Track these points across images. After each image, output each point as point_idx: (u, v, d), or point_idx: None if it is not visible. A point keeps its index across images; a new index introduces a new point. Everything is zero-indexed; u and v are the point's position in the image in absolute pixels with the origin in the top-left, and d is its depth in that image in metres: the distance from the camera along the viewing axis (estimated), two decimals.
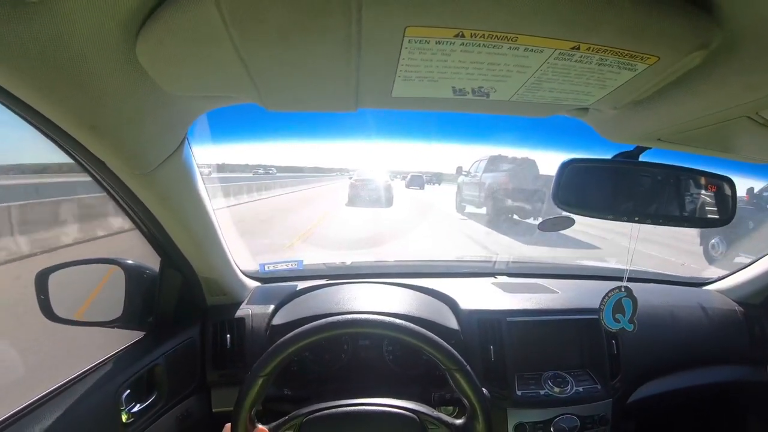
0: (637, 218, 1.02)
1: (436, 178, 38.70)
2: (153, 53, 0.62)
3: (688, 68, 0.61)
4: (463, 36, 0.55)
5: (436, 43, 0.57)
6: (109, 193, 1.16)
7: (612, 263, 3.28)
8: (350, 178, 21.71)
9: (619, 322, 1.49)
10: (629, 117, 0.84)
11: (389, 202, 17.52)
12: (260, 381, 1.12)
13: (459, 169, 15.22)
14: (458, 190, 15.43)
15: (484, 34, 0.54)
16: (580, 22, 0.53)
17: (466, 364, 1.17)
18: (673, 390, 1.83)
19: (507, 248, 8.94)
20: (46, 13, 0.54)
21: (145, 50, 0.62)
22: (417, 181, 31.03)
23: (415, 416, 1.17)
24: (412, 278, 1.98)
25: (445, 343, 1.18)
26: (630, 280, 1.48)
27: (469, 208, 14.44)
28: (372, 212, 15.33)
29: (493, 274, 2.19)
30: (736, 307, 2.06)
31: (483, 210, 13.25)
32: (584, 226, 10.66)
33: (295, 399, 1.50)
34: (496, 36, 0.55)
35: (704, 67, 0.61)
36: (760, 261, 2.06)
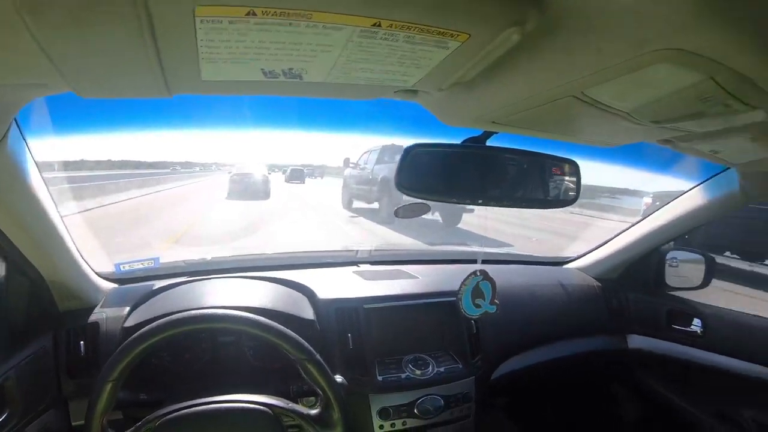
0: (480, 201, 1.12)
1: (319, 172, 38.34)
2: None
3: (506, 47, 0.63)
4: (255, 14, 0.55)
5: (230, 23, 0.57)
6: None
7: (474, 248, 3.46)
8: (229, 172, 21.66)
9: (480, 307, 1.61)
10: (459, 99, 0.88)
11: (267, 194, 18.50)
12: (109, 386, 1.14)
13: (346, 161, 14.78)
14: (345, 184, 14.97)
15: (276, 12, 0.54)
16: None
17: (315, 353, 1.25)
18: (536, 363, 2.02)
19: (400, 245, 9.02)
20: None
21: None
22: (297, 175, 31.03)
23: (268, 410, 1.22)
24: (272, 271, 2.02)
25: (292, 333, 1.25)
26: (491, 262, 1.61)
27: (359, 204, 14.07)
28: (250, 205, 15.78)
29: (355, 263, 2.26)
30: (594, 283, 2.32)
31: (375, 205, 12.92)
32: (498, 223, 11.04)
33: (152, 403, 1.45)
34: (289, 13, 0.55)
35: (525, 46, 0.63)
36: (615, 239, 2.34)
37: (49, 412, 1.52)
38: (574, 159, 1.23)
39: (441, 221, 11.31)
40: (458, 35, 0.60)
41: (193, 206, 16.39)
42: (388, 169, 12.13)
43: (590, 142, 1.13)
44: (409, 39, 0.61)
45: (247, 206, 15.75)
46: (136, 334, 1.19)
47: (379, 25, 0.58)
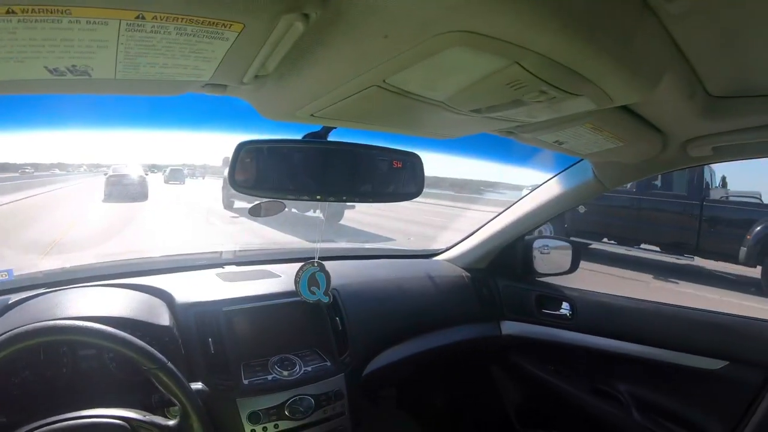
0: (319, 197, 1.10)
1: (201, 171, 37.81)
2: None
3: (294, 36, 0.64)
4: (14, 12, 0.53)
5: None
6: None
7: (342, 244, 3.51)
8: (105, 174, 21.37)
9: (315, 294, 1.65)
10: (272, 93, 0.88)
11: (145, 196, 18.50)
12: None
13: (225, 161, 14.80)
14: (225, 184, 14.62)
15: (34, 9, 0.53)
16: None
17: (166, 362, 1.19)
18: (411, 355, 2.02)
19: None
20: None
21: None
22: (176, 175, 30.73)
23: (125, 423, 1.17)
24: (133, 277, 1.94)
25: (140, 342, 1.19)
26: (357, 258, 1.61)
27: (239, 204, 13.98)
28: (128, 208, 15.61)
29: (220, 265, 2.19)
30: (464, 273, 2.36)
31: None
32: (381, 218, 11.18)
33: (11, 425, 1.36)
34: (48, 10, 0.53)
35: (313, 35, 0.63)
36: (480, 230, 2.40)
37: None
38: (419, 152, 1.23)
39: (322, 217, 11.39)
40: (231, 25, 0.59)
41: (66, 211, 15.85)
42: None
43: (426, 134, 1.16)
44: (181, 31, 0.60)
45: (125, 209, 15.43)
46: None
47: (143, 17, 0.56)
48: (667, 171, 1.72)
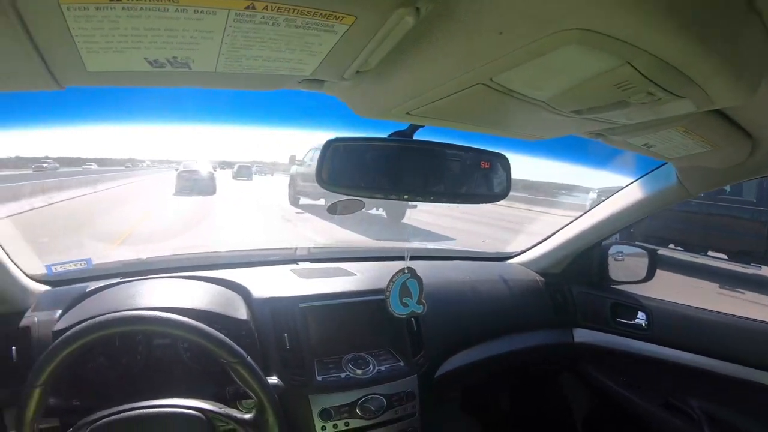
0: (406, 196, 1.07)
1: (270, 169, 38.62)
2: None
3: (403, 31, 0.61)
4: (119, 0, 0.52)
5: (97, 9, 0.53)
6: None
7: (415, 244, 3.46)
8: (176, 169, 22.77)
9: (408, 306, 1.58)
10: (369, 89, 0.85)
11: (213, 190, 19.32)
12: (36, 393, 1.08)
13: (292, 158, 15.09)
14: (291, 181, 15.27)
15: None
16: None
17: (246, 355, 1.19)
18: (483, 359, 1.98)
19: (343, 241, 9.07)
20: None
21: None
22: (244, 172, 31.74)
23: (201, 414, 1.17)
24: (209, 270, 1.96)
25: (221, 335, 1.19)
26: (426, 258, 1.56)
27: (305, 200, 14.32)
28: (197, 201, 16.66)
29: (294, 261, 2.20)
30: (537, 278, 2.29)
31: (321, 201, 13.05)
32: (444, 218, 11.16)
33: (86, 409, 1.38)
34: None
35: (422, 30, 0.61)
36: (557, 234, 2.32)
37: None
38: (504, 153, 1.18)
39: (385, 216, 11.40)
40: (343, 17, 0.57)
41: (141, 203, 16.93)
42: None
43: (518, 135, 1.11)
44: (290, 22, 0.58)
45: (194, 202, 16.39)
46: (60, 338, 1.13)
47: (254, 8, 0.55)
48: (752, 178, 1.63)
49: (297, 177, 14.63)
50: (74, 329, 1.14)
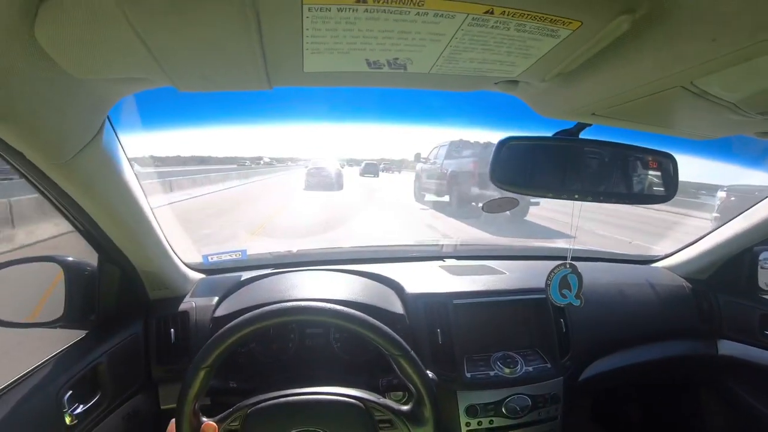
0: (577, 196, 1.05)
1: (397, 167, 38.80)
2: (51, 36, 0.61)
3: (615, 35, 0.61)
4: (365, 2, 0.53)
5: (338, 11, 0.55)
6: (35, 187, 1.13)
7: (558, 243, 3.36)
8: (306, 167, 24.15)
9: (566, 298, 1.55)
10: (561, 90, 0.84)
11: (340, 186, 20.19)
12: (202, 373, 1.13)
13: (417, 156, 15.16)
14: (416, 178, 15.36)
15: None
16: None
17: (410, 349, 1.20)
18: (624, 366, 1.90)
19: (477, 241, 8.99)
20: None
21: (44, 33, 0.60)
22: (371, 169, 31.92)
23: (360, 404, 1.19)
24: (358, 264, 2.00)
25: (387, 329, 1.20)
26: (577, 259, 1.52)
27: (429, 197, 14.28)
28: (325, 196, 17.36)
29: (440, 258, 2.22)
30: (684, 283, 2.15)
31: (445, 198, 13.05)
32: (553, 213, 10.86)
33: (242, 391, 1.49)
34: (401, 1, 0.53)
35: (633, 34, 0.60)
36: (706, 238, 2.17)
37: (139, 396, 1.56)
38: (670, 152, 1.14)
39: (508, 213, 11.19)
40: (570, 23, 0.58)
41: (273, 197, 18.13)
42: (457, 164, 12.49)
43: (687, 134, 1.06)
44: (520, 27, 0.59)
45: (322, 197, 17.02)
46: (233, 323, 1.18)
47: (492, 12, 0.56)
48: None
49: (422, 174, 14.72)
50: (248, 315, 1.19)
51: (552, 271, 1.56)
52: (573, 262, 1.55)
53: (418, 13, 0.56)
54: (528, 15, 0.56)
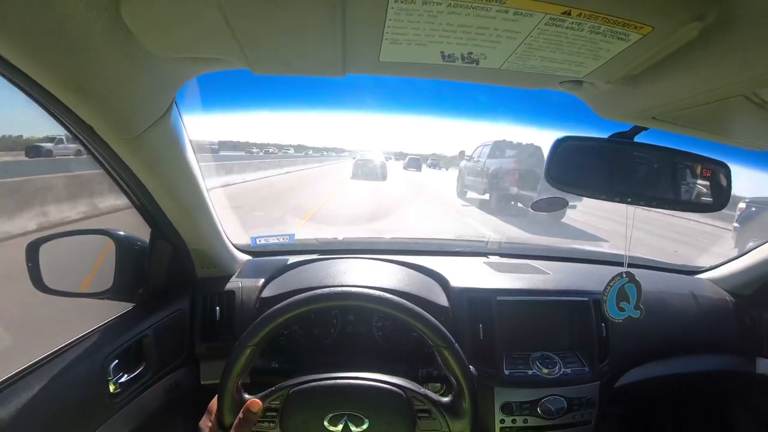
0: (629, 199, 1.01)
1: (444, 163, 38.99)
2: (138, 14, 0.62)
3: (683, 41, 0.60)
4: None
5: (423, 4, 0.56)
6: (98, 160, 1.15)
7: (605, 248, 3.28)
8: (354, 158, 25.92)
9: (624, 311, 1.47)
10: (623, 92, 0.83)
11: (384, 176, 21.79)
12: (248, 351, 1.12)
13: (461, 154, 15.29)
14: (460, 175, 15.41)
15: None
16: None
17: (454, 341, 1.17)
18: (661, 376, 1.84)
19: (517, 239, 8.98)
20: None
21: (130, 11, 0.61)
22: (414, 164, 33.34)
23: (402, 392, 1.17)
24: (403, 255, 1.98)
25: (434, 320, 1.18)
26: (629, 266, 1.47)
27: (471, 194, 14.32)
28: (371, 184, 18.86)
29: (485, 254, 2.19)
30: (727, 297, 2.06)
31: (486, 196, 13.05)
32: (587, 216, 10.73)
33: (283, 372, 1.51)
34: None
35: (700, 40, 0.60)
36: (752, 252, 2.07)
37: (181, 370, 1.58)
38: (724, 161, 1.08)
39: (546, 214, 11.09)
40: (642, 27, 0.58)
41: (324, 183, 19.39)
42: (499, 163, 12.56)
43: (745, 144, 1.03)
44: (594, 29, 0.60)
45: (368, 185, 18.44)
46: (281, 304, 1.17)
47: (569, 14, 0.56)
48: None
49: (465, 171, 14.78)
50: (296, 298, 1.17)
51: (608, 284, 1.47)
52: (630, 270, 1.48)
53: (498, 10, 0.56)
54: (603, 18, 0.57)
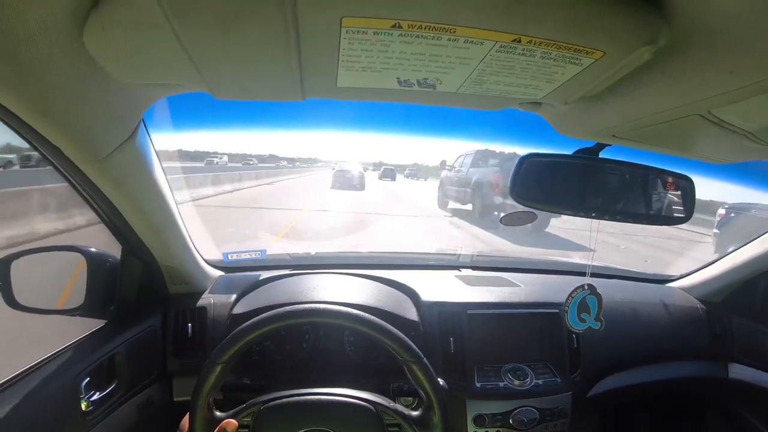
0: (594, 214, 1.03)
1: (422, 173, 39.37)
2: (99, 41, 0.63)
3: (636, 64, 0.61)
4: (400, 27, 0.55)
5: (375, 34, 0.57)
6: (67, 179, 1.15)
7: (576, 259, 3.31)
8: (332, 168, 27.37)
9: (585, 322, 1.50)
10: (583, 112, 0.84)
11: (362, 186, 22.99)
12: (218, 368, 1.12)
13: (443, 164, 15.18)
14: (441, 185, 15.38)
15: (421, 25, 0.54)
16: (521, 14, 0.53)
17: (422, 356, 1.18)
18: (633, 384, 1.87)
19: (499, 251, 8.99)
20: None
21: (92, 38, 0.62)
22: (389, 174, 34.96)
23: (372, 407, 1.18)
24: (375, 269, 2.00)
25: (402, 335, 1.19)
26: (594, 275, 1.50)
27: (453, 204, 14.30)
28: (349, 194, 19.57)
29: (457, 267, 2.20)
30: (698, 305, 2.10)
31: (468, 206, 13.04)
32: (573, 225, 10.81)
33: (255, 388, 1.49)
34: (434, 27, 0.55)
35: (654, 63, 0.61)
36: (722, 260, 2.11)
37: (154, 387, 1.58)
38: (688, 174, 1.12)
39: (530, 225, 11.15)
40: (594, 53, 0.59)
41: (303, 193, 20.13)
42: (481, 173, 12.46)
43: (704, 158, 1.05)
44: (545, 54, 0.60)
45: (346, 195, 19.16)
46: (251, 321, 1.17)
47: (519, 41, 0.57)
48: None
49: (446, 181, 14.71)
50: (265, 315, 1.18)
51: (570, 295, 1.50)
52: (592, 283, 1.51)
53: (449, 39, 0.57)
54: (553, 44, 0.57)
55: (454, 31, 0.55)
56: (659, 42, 0.56)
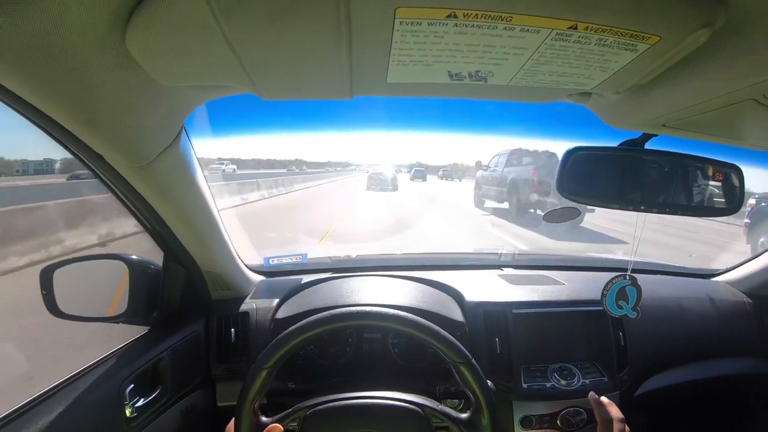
0: (642, 207, 1.01)
1: (457, 174, 39.43)
2: (143, 44, 0.62)
3: (691, 49, 0.60)
4: (455, 16, 0.53)
5: (429, 25, 0.55)
6: (109, 188, 1.16)
7: (619, 255, 3.25)
8: (367, 171, 29.43)
9: (622, 309, 1.48)
10: (633, 102, 0.82)
11: (395, 187, 24.34)
12: (264, 373, 1.12)
13: (478, 164, 15.31)
14: (477, 185, 15.42)
15: (477, 14, 0.53)
16: (578, 0, 0.52)
17: (471, 357, 1.17)
18: (680, 383, 1.81)
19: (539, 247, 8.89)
20: (30, 7, 0.53)
21: (135, 41, 0.61)
22: (419, 175, 36.28)
23: (420, 410, 1.16)
24: (417, 271, 1.98)
25: (450, 336, 1.18)
26: (636, 271, 1.45)
27: (489, 203, 14.32)
28: (383, 195, 20.83)
29: (499, 266, 2.16)
30: (745, 299, 2.02)
31: (505, 205, 13.07)
32: (606, 221, 10.65)
33: (300, 392, 1.51)
34: (490, 16, 0.53)
35: (708, 47, 0.59)
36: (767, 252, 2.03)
37: (197, 392, 1.59)
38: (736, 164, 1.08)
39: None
40: (650, 38, 0.57)
41: (341, 195, 22.11)
42: (517, 172, 12.58)
43: (757, 146, 1.02)
44: (601, 41, 0.59)
45: (381, 195, 20.62)
46: (296, 325, 1.16)
47: (576, 28, 0.56)
48: None
49: (482, 181, 14.83)
50: (311, 319, 1.17)
51: (610, 281, 1.49)
52: (633, 275, 1.48)
53: (505, 28, 0.56)
54: (610, 30, 0.56)
55: (510, 19, 0.54)
56: (716, 24, 0.54)
